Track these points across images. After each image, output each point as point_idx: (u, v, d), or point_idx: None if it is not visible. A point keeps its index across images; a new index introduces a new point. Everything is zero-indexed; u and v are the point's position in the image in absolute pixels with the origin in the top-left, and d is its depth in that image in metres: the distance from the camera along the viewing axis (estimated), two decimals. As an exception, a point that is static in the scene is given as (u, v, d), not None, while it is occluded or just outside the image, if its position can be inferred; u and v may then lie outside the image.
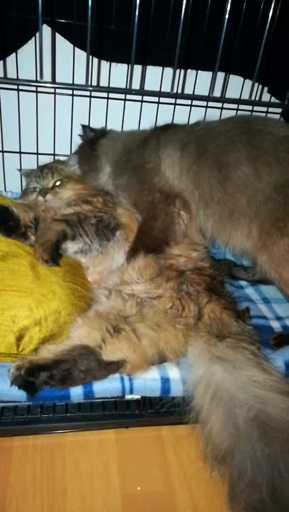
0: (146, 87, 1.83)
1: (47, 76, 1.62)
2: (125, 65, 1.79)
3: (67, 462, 1.16)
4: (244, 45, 1.81)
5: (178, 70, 1.76)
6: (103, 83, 1.88)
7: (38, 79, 1.21)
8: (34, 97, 1.81)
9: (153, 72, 1.86)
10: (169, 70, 1.83)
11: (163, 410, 1.17)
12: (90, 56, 1.20)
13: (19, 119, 1.84)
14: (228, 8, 1.17)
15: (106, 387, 1.12)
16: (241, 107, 1.92)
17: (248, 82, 1.88)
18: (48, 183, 1.56)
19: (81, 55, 1.73)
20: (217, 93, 1.89)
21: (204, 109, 1.92)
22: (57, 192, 1.52)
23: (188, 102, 1.93)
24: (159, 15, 1.71)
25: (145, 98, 1.90)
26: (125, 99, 1.88)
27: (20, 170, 1.83)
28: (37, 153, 1.92)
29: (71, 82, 1.76)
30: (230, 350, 1.12)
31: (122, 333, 1.13)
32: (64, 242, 1.34)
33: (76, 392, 1.10)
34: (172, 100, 1.92)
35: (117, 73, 1.84)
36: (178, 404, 1.12)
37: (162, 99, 1.92)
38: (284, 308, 1.58)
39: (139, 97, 1.89)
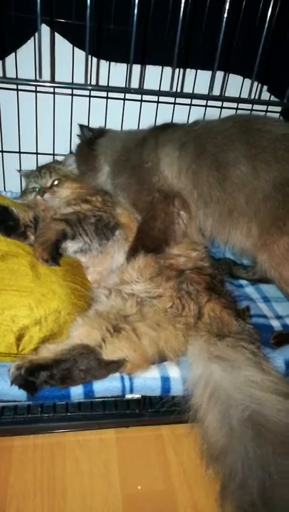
0: (146, 87, 1.83)
1: (46, 76, 1.62)
2: (124, 65, 1.79)
3: (67, 462, 1.16)
4: (243, 44, 1.81)
5: (177, 70, 1.76)
6: (102, 83, 1.87)
7: (37, 78, 1.21)
8: (33, 97, 1.81)
9: (152, 71, 1.86)
10: (168, 70, 1.83)
11: (163, 409, 1.17)
12: (89, 56, 1.19)
13: (18, 119, 1.83)
14: (227, 7, 1.16)
15: (106, 386, 1.12)
16: (241, 105, 1.92)
17: (248, 81, 1.88)
18: (46, 182, 1.56)
19: (80, 54, 1.73)
20: (216, 92, 1.88)
21: (204, 108, 1.92)
22: (55, 191, 1.52)
23: (188, 101, 1.93)
24: (158, 14, 1.71)
25: (144, 97, 1.89)
26: (124, 99, 1.88)
27: (19, 171, 1.83)
28: (36, 153, 1.92)
29: (70, 82, 1.76)
30: (229, 349, 1.12)
31: (122, 332, 1.13)
32: (64, 241, 1.34)
33: (76, 392, 1.10)
34: (171, 99, 1.92)
35: (116, 73, 1.84)
36: (178, 403, 1.12)
37: (161, 99, 1.91)
38: (284, 307, 1.58)
39: (138, 97, 1.89)
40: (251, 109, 1.95)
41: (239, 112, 1.90)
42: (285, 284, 1.32)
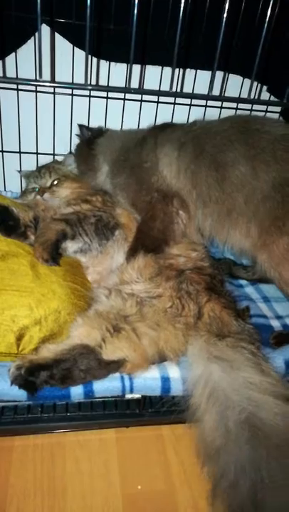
0: (146, 87, 1.83)
1: (46, 76, 1.62)
2: (124, 65, 1.79)
3: (67, 461, 1.17)
4: (243, 44, 1.81)
5: (177, 70, 1.77)
6: (102, 83, 1.87)
7: (38, 78, 1.21)
8: (33, 97, 1.81)
9: (152, 71, 1.86)
10: (168, 70, 1.83)
11: (163, 409, 1.17)
12: (89, 56, 1.19)
13: (19, 119, 1.83)
14: (227, 7, 1.16)
15: (106, 386, 1.12)
16: (240, 105, 1.92)
17: (247, 81, 1.88)
18: (45, 182, 1.56)
19: (80, 54, 1.73)
20: (216, 92, 1.89)
21: (203, 108, 1.92)
22: (54, 191, 1.52)
23: (188, 101, 1.93)
24: (157, 14, 1.71)
25: (144, 97, 1.89)
26: (124, 99, 1.88)
27: (19, 171, 1.83)
28: (36, 153, 1.92)
29: (70, 82, 1.77)
30: (229, 349, 1.12)
31: (122, 332, 1.13)
32: (64, 241, 1.34)
33: (76, 392, 1.10)
34: (171, 100, 1.92)
35: (116, 73, 1.84)
36: (178, 403, 1.12)
37: (161, 99, 1.91)
38: (284, 307, 1.58)
39: (138, 97, 1.89)
40: (251, 109, 1.95)
41: (239, 112, 1.90)
42: (284, 284, 1.32)
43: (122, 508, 1.08)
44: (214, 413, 1.02)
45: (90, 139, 1.67)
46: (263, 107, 1.96)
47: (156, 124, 1.61)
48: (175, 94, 1.78)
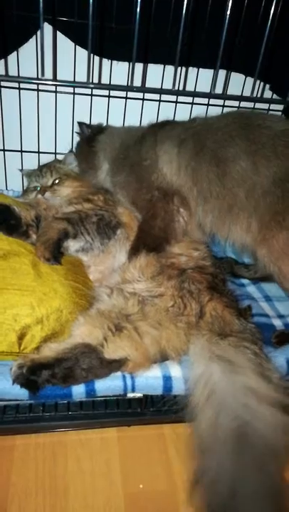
0: (148, 85, 1.82)
1: (48, 74, 1.62)
2: (126, 63, 1.79)
3: (69, 460, 1.17)
4: (245, 43, 1.80)
5: (179, 68, 1.76)
6: (104, 82, 1.87)
7: (40, 77, 1.21)
8: (35, 96, 1.81)
9: (154, 70, 1.85)
10: (170, 68, 1.83)
11: (165, 408, 1.17)
12: (92, 54, 1.19)
13: (20, 117, 1.83)
14: (230, 5, 1.16)
15: (108, 385, 1.12)
16: (243, 104, 1.91)
17: (250, 80, 1.88)
18: (47, 181, 1.56)
19: (82, 53, 1.73)
20: (219, 91, 1.88)
21: (206, 106, 1.92)
22: (55, 190, 1.52)
23: (190, 99, 1.93)
24: (160, 12, 1.71)
25: (146, 96, 1.89)
26: (126, 98, 1.88)
27: (21, 170, 1.83)
28: (38, 152, 1.92)
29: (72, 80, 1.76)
30: (231, 349, 1.12)
31: (124, 331, 1.13)
32: (65, 240, 1.34)
33: (78, 391, 1.10)
34: (173, 98, 1.92)
35: (118, 71, 1.84)
36: (180, 402, 1.12)
37: (163, 97, 1.91)
38: (286, 306, 1.58)
39: (140, 95, 1.89)
40: (253, 108, 1.95)
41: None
42: (284, 279, 1.32)
43: (123, 507, 1.08)
44: (209, 414, 1.02)
45: (91, 136, 1.67)
46: (266, 106, 1.96)
47: (156, 122, 1.61)
48: (177, 93, 1.78)
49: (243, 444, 0.96)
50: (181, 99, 1.92)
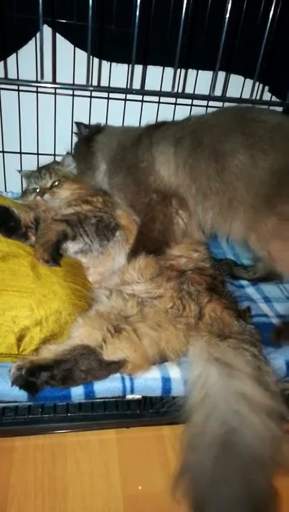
0: (147, 87, 1.82)
1: (47, 76, 1.62)
2: (126, 65, 1.79)
3: (68, 462, 1.17)
4: (245, 44, 1.81)
5: (178, 70, 1.76)
6: (104, 83, 1.88)
7: (39, 79, 1.21)
8: (35, 98, 1.81)
9: (153, 71, 1.86)
10: (169, 70, 1.83)
11: (164, 410, 1.17)
12: (91, 56, 1.19)
13: (20, 119, 1.84)
14: (229, 8, 1.16)
15: (107, 387, 1.12)
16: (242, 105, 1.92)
17: (249, 82, 1.88)
18: (46, 183, 1.56)
19: (81, 55, 1.73)
20: (218, 93, 1.88)
21: (205, 108, 1.92)
22: (54, 192, 1.52)
23: (189, 101, 1.93)
24: (159, 14, 1.71)
25: (146, 98, 1.90)
26: (126, 99, 1.88)
27: (20, 171, 1.83)
28: (37, 154, 1.92)
29: (72, 83, 1.77)
30: (231, 350, 1.12)
31: (123, 332, 1.13)
32: (64, 242, 1.34)
33: (77, 392, 1.10)
34: (173, 100, 1.92)
35: (117, 73, 1.84)
36: (179, 403, 1.12)
37: (163, 99, 1.92)
38: (285, 307, 1.58)
39: (139, 97, 1.89)
40: (252, 109, 1.95)
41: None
42: (274, 263, 1.35)
43: (122, 509, 1.08)
44: (200, 415, 1.02)
45: (89, 136, 1.67)
46: (265, 107, 1.96)
47: (152, 123, 1.61)
48: (176, 95, 1.78)
49: (227, 451, 0.96)
50: (180, 100, 1.93)
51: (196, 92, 1.90)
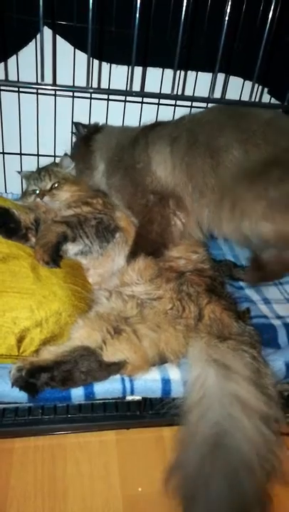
0: (147, 88, 1.83)
1: (48, 78, 1.62)
2: (125, 67, 1.80)
3: (68, 463, 1.17)
4: (244, 46, 1.81)
5: (178, 71, 1.77)
6: (103, 84, 1.88)
7: (39, 81, 1.22)
8: (35, 99, 1.81)
9: (153, 72, 1.86)
10: (169, 71, 1.84)
11: (163, 411, 1.17)
12: (91, 58, 1.20)
13: (20, 120, 1.84)
14: (228, 10, 1.17)
15: (107, 388, 1.12)
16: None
17: (248, 83, 1.88)
18: (45, 185, 1.56)
19: (81, 56, 1.73)
20: (217, 94, 1.89)
21: (204, 109, 1.92)
22: (54, 194, 1.53)
23: (189, 102, 1.93)
24: (159, 16, 1.71)
25: (146, 99, 1.90)
26: (125, 101, 1.89)
27: (20, 172, 1.83)
28: (37, 155, 1.92)
29: (72, 84, 1.77)
30: (230, 352, 1.12)
31: (123, 334, 1.13)
32: (64, 243, 1.34)
33: (77, 393, 1.10)
34: (172, 101, 1.93)
35: (117, 74, 1.84)
36: (178, 405, 1.12)
37: (163, 100, 1.92)
38: (285, 308, 1.58)
39: (139, 98, 1.89)
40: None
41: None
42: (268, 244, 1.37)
43: (122, 510, 1.08)
44: (195, 415, 1.02)
45: (88, 135, 1.67)
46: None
47: (147, 124, 1.62)
48: (176, 97, 1.78)
49: (216, 451, 0.96)
50: (180, 102, 1.93)
51: (195, 94, 1.90)
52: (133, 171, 1.47)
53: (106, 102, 1.88)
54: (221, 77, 1.91)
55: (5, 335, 1.12)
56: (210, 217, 1.40)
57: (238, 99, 1.90)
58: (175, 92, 1.29)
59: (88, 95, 1.84)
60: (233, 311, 1.28)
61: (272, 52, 1.63)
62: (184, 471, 0.98)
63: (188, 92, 1.94)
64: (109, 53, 1.80)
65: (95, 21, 1.37)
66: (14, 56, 1.73)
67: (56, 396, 1.10)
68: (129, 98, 1.88)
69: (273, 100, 1.94)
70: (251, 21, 1.74)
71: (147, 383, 1.14)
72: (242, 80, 1.93)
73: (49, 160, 1.89)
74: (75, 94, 1.84)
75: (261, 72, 1.36)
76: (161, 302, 1.23)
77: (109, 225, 1.44)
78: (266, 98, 1.95)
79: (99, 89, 1.80)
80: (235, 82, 1.94)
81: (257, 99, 1.60)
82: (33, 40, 1.71)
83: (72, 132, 1.86)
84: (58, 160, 1.88)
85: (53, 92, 1.81)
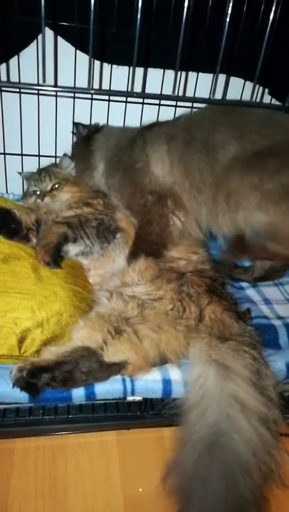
0: (148, 89, 1.83)
1: (49, 78, 1.63)
2: (126, 67, 1.80)
3: (68, 463, 1.17)
4: (245, 47, 1.81)
5: (179, 72, 1.77)
6: (104, 85, 1.88)
7: (40, 82, 1.22)
8: (36, 100, 1.82)
9: (154, 73, 1.86)
10: (170, 72, 1.84)
11: (164, 412, 1.17)
12: (92, 59, 1.20)
13: (21, 121, 1.84)
14: (229, 11, 1.17)
15: (107, 388, 1.13)
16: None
17: (249, 84, 1.88)
18: (46, 186, 1.57)
19: (83, 57, 1.74)
20: (218, 95, 1.89)
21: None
22: (55, 195, 1.53)
23: (190, 103, 1.93)
24: (160, 17, 1.72)
25: (146, 100, 1.90)
26: (126, 102, 1.89)
27: (21, 173, 1.83)
28: (38, 156, 1.93)
29: (73, 84, 1.77)
30: (230, 352, 1.12)
31: (124, 334, 1.13)
32: (65, 244, 1.35)
33: (78, 394, 1.11)
34: (173, 102, 1.93)
35: (118, 75, 1.85)
36: (179, 405, 1.12)
37: (163, 101, 1.92)
38: (285, 309, 1.58)
39: (140, 99, 1.90)
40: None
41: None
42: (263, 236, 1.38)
43: (123, 510, 1.08)
44: (193, 415, 1.03)
45: (88, 135, 1.68)
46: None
47: (145, 124, 1.63)
48: (177, 98, 1.78)
49: (212, 451, 0.96)
50: (181, 102, 1.93)
51: (196, 94, 1.90)
52: (132, 171, 1.48)
53: (107, 102, 1.89)
54: (221, 77, 1.91)
55: (6, 335, 1.12)
56: (207, 214, 1.41)
57: (238, 99, 1.90)
58: (176, 93, 1.30)
59: (89, 96, 1.85)
60: (233, 311, 1.29)
61: (273, 53, 1.63)
62: (181, 470, 0.98)
63: (189, 93, 1.94)
64: (111, 54, 1.80)
65: (97, 22, 1.37)
66: (15, 57, 1.74)
67: (57, 396, 1.10)
68: (130, 99, 1.88)
69: (274, 101, 1.94)
70: (252, 22, 1.74)
71: (148, 384, 1.15)
72: (243, 81, 1.93)
73: (50, 161, 1.89)
74: (76, 94, 1.84)
75: (262, 72, 1.36)
76: (162, 303, 1.23)
77: (110, 225, 1.45)
78: (267, 99, 1.95)
79: (100, 90, 1.80)
80: (236, 82, 1.94)
81: (258, 100, 1.60)
82: (35, 41, 1.71)
83: (72, 132, 1.87)
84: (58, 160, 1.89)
85: (54, 93, 1.81)
